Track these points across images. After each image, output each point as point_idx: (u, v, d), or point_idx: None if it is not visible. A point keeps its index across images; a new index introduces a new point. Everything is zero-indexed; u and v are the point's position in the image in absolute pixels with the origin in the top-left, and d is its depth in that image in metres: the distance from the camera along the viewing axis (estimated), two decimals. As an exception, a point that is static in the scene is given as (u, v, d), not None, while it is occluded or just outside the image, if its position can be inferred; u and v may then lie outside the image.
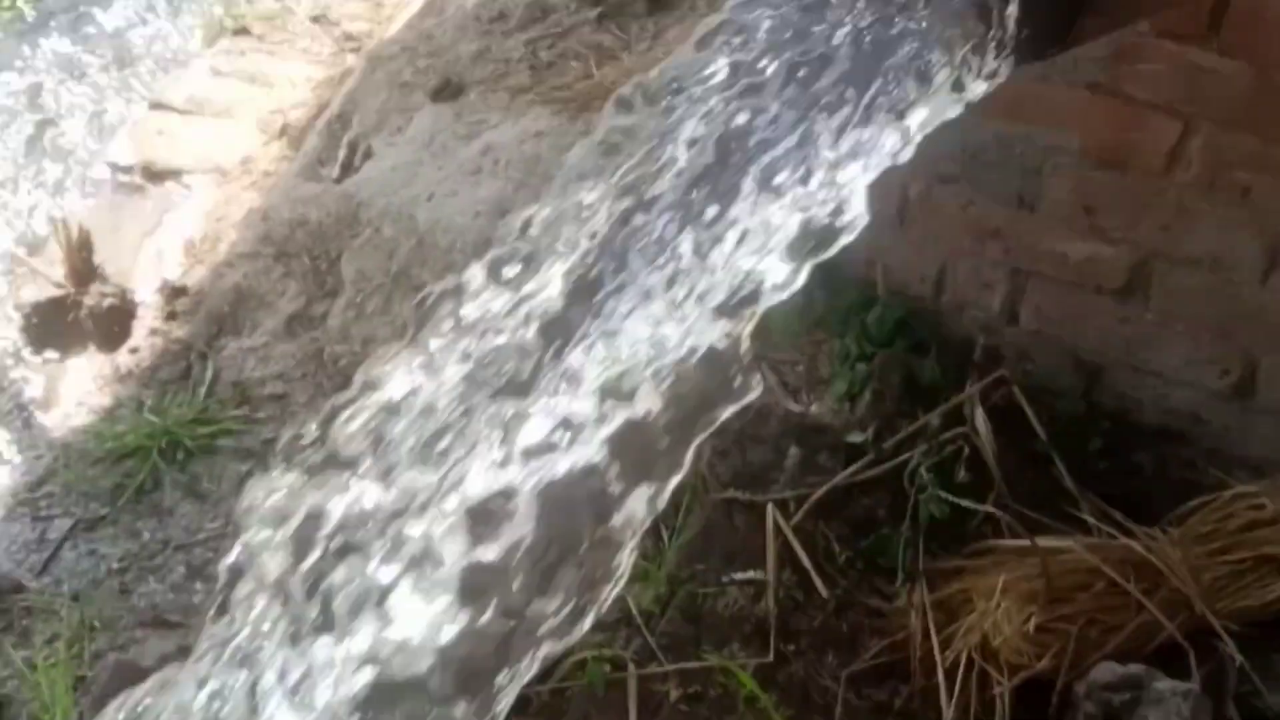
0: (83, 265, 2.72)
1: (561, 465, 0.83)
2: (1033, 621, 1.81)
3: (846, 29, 0.79)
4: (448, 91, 3.00)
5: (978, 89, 0.84)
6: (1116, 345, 2.09)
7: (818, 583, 1.92)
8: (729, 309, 0.83)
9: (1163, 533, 1.95)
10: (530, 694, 1.84)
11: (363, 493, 0.87)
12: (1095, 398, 2.13)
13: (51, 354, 2.66)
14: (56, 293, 2.71)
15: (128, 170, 3.12)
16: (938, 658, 1.84)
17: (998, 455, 2.03)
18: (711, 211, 0.84)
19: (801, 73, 0.80)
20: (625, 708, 1.82)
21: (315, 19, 3.68)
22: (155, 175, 3.09)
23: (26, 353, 2.66)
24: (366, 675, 0.83)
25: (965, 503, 1.90)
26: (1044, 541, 1.91)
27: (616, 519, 0.84)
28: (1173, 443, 2.11)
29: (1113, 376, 2.12)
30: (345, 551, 0.87)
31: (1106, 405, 2.12)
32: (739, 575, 1.93)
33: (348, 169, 2.96)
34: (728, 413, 0.86)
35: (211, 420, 2.42)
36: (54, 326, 2.68)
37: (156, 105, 3.32)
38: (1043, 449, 2.06)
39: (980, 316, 2.17)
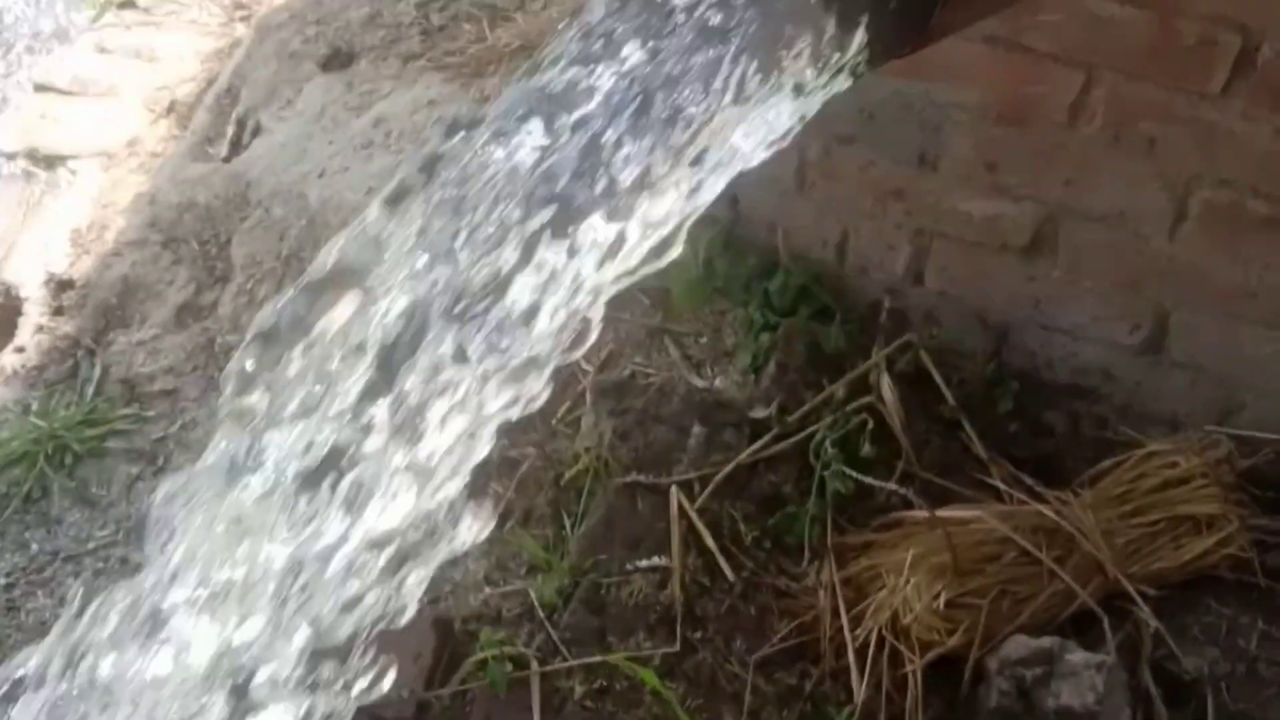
0: (-39, 262, 2.61)
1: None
2: (943, 597, 1.76)
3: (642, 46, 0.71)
4: (337, 61, 2.89)
5: (813, 102, 0.76)
6: (1024, 304, 2.04)
7: (724, 566, 1.86)
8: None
9: (1074, 495, 1.91)
10: (430, 699, 1.78)
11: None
12: (1004, 358, 2.08)
13: (-68, 357, 2.55)
14: (-66, 294, 2.60)
15: (11, 157, 3.00)
16: (847, 637, 1.79)
17: (905, 423, 1.97)
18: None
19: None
20: (529, 707, 1.76)
21: (204, -12, 3.55)
22: (40, 161, 2.97)
23: (-93, 357, 2.55)
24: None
25: (869, 480, 1.84)
26: (951, 512, 1.86)
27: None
28: (1084, 400, 2.07)
29: (1021, 336, 2.06)
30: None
31: (1015, 365, 2.08)
32: (644, 563, 1.86)
33: (236, 146, 2.85)
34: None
35: (100, 421, 2.33)
36: (-67, 329, 2.57)
37: (40, 88, 3.18)
38: (951, 414, 2.01)
39: (884, 279, 2.11)
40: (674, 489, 1.91)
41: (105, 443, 2.30)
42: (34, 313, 2.59)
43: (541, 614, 1.85)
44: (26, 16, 3.51)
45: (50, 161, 2.97)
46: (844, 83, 0.77)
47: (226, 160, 2.80)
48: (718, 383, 2.07)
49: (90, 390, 2.39)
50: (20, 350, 2.52)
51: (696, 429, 1.97)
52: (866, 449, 1.87)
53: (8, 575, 2.12)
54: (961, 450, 1.99)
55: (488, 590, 1.91)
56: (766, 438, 1.95)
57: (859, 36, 0.74)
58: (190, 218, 2.67)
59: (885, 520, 1.91)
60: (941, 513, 1.86)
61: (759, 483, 1.94)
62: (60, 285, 2.62)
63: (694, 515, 1.89)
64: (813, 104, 0.81)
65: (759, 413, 1.96)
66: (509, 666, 1.79)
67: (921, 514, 1.87)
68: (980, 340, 2.08)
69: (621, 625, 1.83)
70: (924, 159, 1.97)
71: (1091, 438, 2.04)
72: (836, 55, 0.74)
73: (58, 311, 2.58)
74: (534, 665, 1.80)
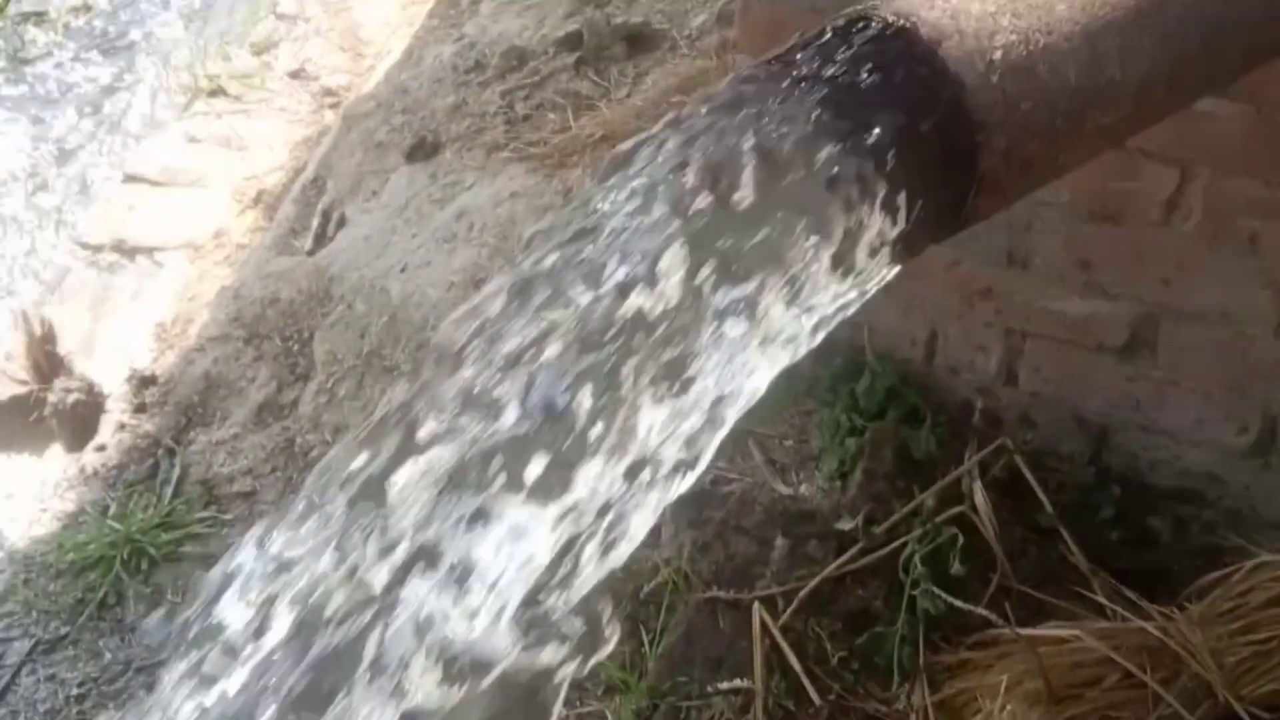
0: (46, 360, 2.62)
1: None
2: (1041, 726, 1.66)
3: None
4: (422, 151, 2.88)
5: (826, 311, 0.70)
6: (1124, 405, 1.94)
7: (809, 688, 1.77)
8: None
9: (1180, 610, 1.79)
10: (502, 828, 1.71)
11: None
12: (1104, 462, 1.97)
13: (16, 453, 2.56)
14: (19, 390, 2.61)
15: (98, 249, 3.02)
16: (941, 766, 1.70)
17: (999, 532, 1.88)
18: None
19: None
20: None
21: (294, 74, 3.57)
22: (126, 253, 3.00)
23: (-7, 455, 2.56)
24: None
25: (959, 603, 1.75)
26: (1048, 630, 1.76)
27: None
28: (1190, 505, 1.96)
29: (1121, 438, 1.96)
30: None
31: (1116, 469, 1.97)
32: (725, 685, 1.78)
33: (321, 239, 2.85)
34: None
35: (178, 524, 2.31)
36: (17, 426, 2.57)
37: (130, 178, 3.22)
38: (1049, 522, 1.91)
39: (975, 380, 2.02)
40: (756, 606, 1.83)
41: (182, 547, 2.28)
42: (116, 410, 2.59)
43: (618, 737, 1.78)
44: (119, 106, 3.55)
45: (136, 253, 2.99)
46: (879, 274, 0.72)
47: (311, 253, 2.80)
48: (803, 489, 1.99)
49: (169, 492, 2.38)
50: (101, 449, 2.52)
51: (780, 541, 1.90)
52: (957, 567, 1.77)
53: (80, 685, 2.10)
54: (1060, 561, 1.89)
55: (564, 711, 1.83)
56: (853, 550, 1.87)
57: (886, 234, 0.69)
58: (273, 313, 2.66)
59: (981, 637, 1.81)
60: (1039, 630, 1.76)
61: (846, 599, 1.85)
62: (143, 382, 2.62)
63: (777, 634, 1.81)
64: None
65: (845, 524, 1.87)
66: (584, 795, 1.72)
67: (1029, 631, 1.77)
68: (1078, 443, 1.98)
69: (700, 752, 1.75)
70: (1013, 257, 1.89)
71: (1199, 545, 1.93)
72: (863, 253, 0.69)
73: (139, 409, 2.58)
74: (605, 789, 1.72)
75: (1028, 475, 1.94)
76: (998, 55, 0.76)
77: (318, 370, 2.52)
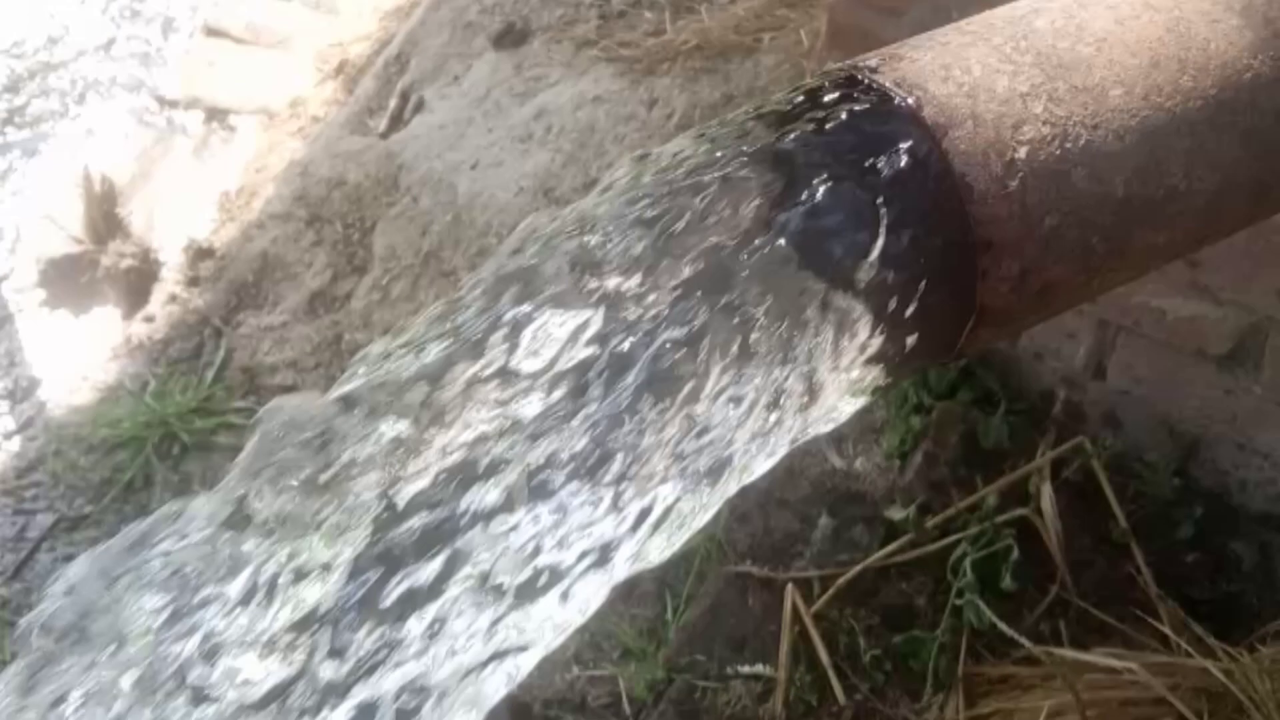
0: (104, 220, 2.54)
1: None
2: (1078, 764, 1.54)
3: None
4: (510, 38, 2.73)
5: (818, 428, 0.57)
6: (1219, 418, 1.77)
7: (836, 685, 1.66)
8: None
9: (1251, 653, 1.65)
10: (495, 791, 1.63)
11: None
12: (1190, 475, 1.82)
13: (65, 314, 2.49)
14: (75, 249, 2.53)
15: (172, 105, 2.92)
16: (965, 789, 1.58)
17: (1065, 540, 1.74)
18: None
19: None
20: (600, 816, 1.61)
21: (396, -64, 3.42)
22: (201, 112, 2.90)
23: (41, 312, 2.49)
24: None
25: (1004, 627, 1.61)
26: (1099, 657, 1.63)
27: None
28: (1278, 535, 1.80)
29: (1211, 452, 1.80)
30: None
31: (1203, 485, 1.81)
32: (746, 669, 1.68)
33: (396, 122, 2.72)
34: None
35: (214, 411, 2.24)
36: (69, 286, 2.51)
37: (213, 32, 3.11)
38: (1121, 536, 1.76)
39: (1061, 369, 1.86)
40: (790, 587, 1.72)
41: (215, 435, 2.21)
42: (169, 280, 2.51)
43: (629, 709, 1.69)
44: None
45: (211, 114, 2.89)
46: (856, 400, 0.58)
47: (384, 136, 2.68)
48: (857, 464, 1.86)
49: (210, 375, 2.30)
50: (150, 320, 2.45)
51: (824, 520, 1.77)
52: (1008, 581, 1.64)
53: (98, 571, 2.04)
54: (1127, 580, 1.74)
55: (576, 670, 1.75)
56: (902, 541, 1.74)
57: (852, 365, 0.54)
58: (338, 196, 2.55)
59: (1028, 653, 1.68)
60: (1089, 655, 1.63)
61: (888, 592, 1.73)
62: (199, 253, 2.54)
63: (809, 621, 1.69)
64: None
65: (896, 513, 1.74)
66: (584, 766, 1.64)
67: (1068, 653, 1.64)
68: (1164, 452, 1.82)
69: (712, 737, 1.65)
70: (1120, 244, 1.72)
71: (1282, 579, 1.77)
72: (846, 375, 0.55)
73: (192, 282, 2.50)
74: (610, 768, 1.64)
75: (1103, 481, 1.79)
76: (1021, 153, 0.57)
77: (375, 264, 2.42)
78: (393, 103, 2.75)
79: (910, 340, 0.57)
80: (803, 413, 0.55)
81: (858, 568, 1.73)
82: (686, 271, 0.52)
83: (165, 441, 2.18)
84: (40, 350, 2.42)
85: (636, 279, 0.52)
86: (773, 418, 0.55)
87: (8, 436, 2.25)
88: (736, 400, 0.54)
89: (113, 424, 2.21)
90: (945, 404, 1.85)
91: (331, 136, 2.72)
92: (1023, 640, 1.57)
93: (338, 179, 2.58)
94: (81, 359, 2.40)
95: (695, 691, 1.69)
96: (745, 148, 0.57)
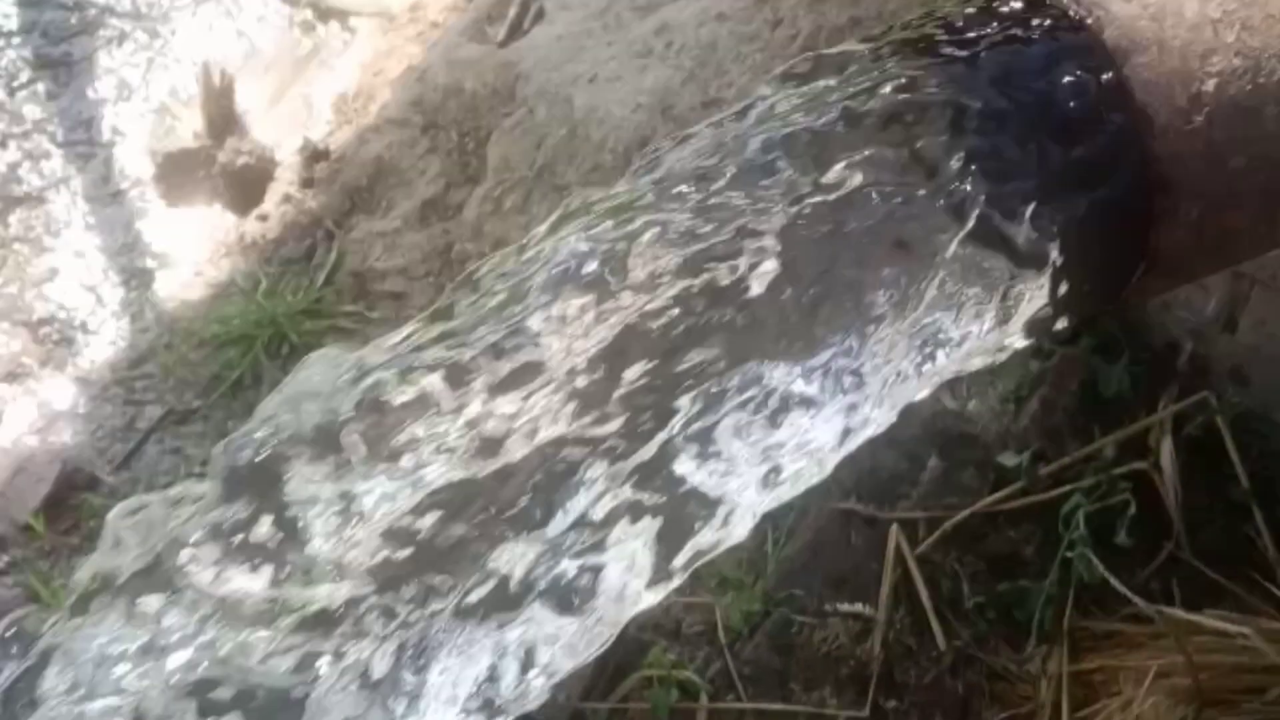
0: (221, 116, 2.54)
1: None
2: (1182, 728, 1.50)
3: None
4: (635, -50, 2.67)
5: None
6: (1355, 381, 1.71)
7: (936, 629, 1.64)
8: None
9: (1372, 625, 1.60)
10: (585, 710, 1.63)
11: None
12: (1320, 438, 1.75)
13: (180, 209, 2.51)
14: (191, 144, 2.54)
15: (294, 4, 2.91)
16: (1063, 743, 1.56)
17: (1182, 497, 1.69)
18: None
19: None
20: (691, 744, 1.60)
21: None
22: (321, 14, 2.88)
23: (156, 206, 2.51)
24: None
25: (1116, 583, 1.57)
26: (1210, 619, 1.58)
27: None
28: None
29: (1345, 417, 1.74)
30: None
31: (1332, 450, 1.75)
32: (845, 606, 1.66)
33: (515, 31, 2.68)
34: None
35: (324, 314, 2.24)
36: (184, 181, 2.51)
37: (337, -70, 3.08)
38: (1242, 497, 1.71)
39: (1189, 320, 1.80)
40: (895, 528, 1.69)
41: (324, 338, 2.21)
42: (284, 180, 2.52)
43: (724, 638, 1.68)
44: None
45: (331, 16, 2.87)
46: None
47: (502, 45, 2.64)
48: (971, 406, 1.81)
49: (321, 277, 2.31)
50: (263, 219, 2.45)
51: (933, 462, 1.74)
52: (1123, 536, 1.60)
53: (202, 465, 2.06)
54: (1246, 543, 1.69)
55: (674, 598, 1.73)
56: (1013, 488, 1.70)
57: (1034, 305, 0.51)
58: (455, 104, 2.53)
59: (1137, 610, 1.64)
60: (1199, 616, 1.59)
61: (995, 539, 1.69)
62: (315, 155, 2.54)
63: (912, 563, 1.67)
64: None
65: (1009, 459, 1.70)
66: (676, 694, 1.63)
67: (1179, 613, 1.60)
68: (1293, 413, 1.76)
69: (808, 673, 1.64)
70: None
71: None
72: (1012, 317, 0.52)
73: (307, 183, 2.50)
74: (704, 698, 1.63)
75: (1227, 438, 1.73)
76: (1210, 86, 0.52)
77: (488, 175, 2.40)
78: (512, 11, 2.71)
79: (1072, 284, 0.53)
80: (960, 347, 0.53)
81: (965, 512, 1.70)
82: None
83: (274, 341, 2.19)
84: (154, 244, 2.44)
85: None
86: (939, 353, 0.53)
87: (120, 328, 2.27)
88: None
89: (223, 321, 2.23)
90: (1066, 350, 1.80)
91: (450, 43, 2.69)
92: (1135, 597, 1.53)
93: (454, 87, 2.55)
94: (194, 254, 2.42)
95: (792, 626, 1.67)
96: (911, 66, 0.54)
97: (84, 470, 2.04)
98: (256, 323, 2.21)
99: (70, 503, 2.00)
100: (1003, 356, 0.56)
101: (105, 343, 2.25)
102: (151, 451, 2.09)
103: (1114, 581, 1.55)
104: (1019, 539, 1.70)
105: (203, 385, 2.17)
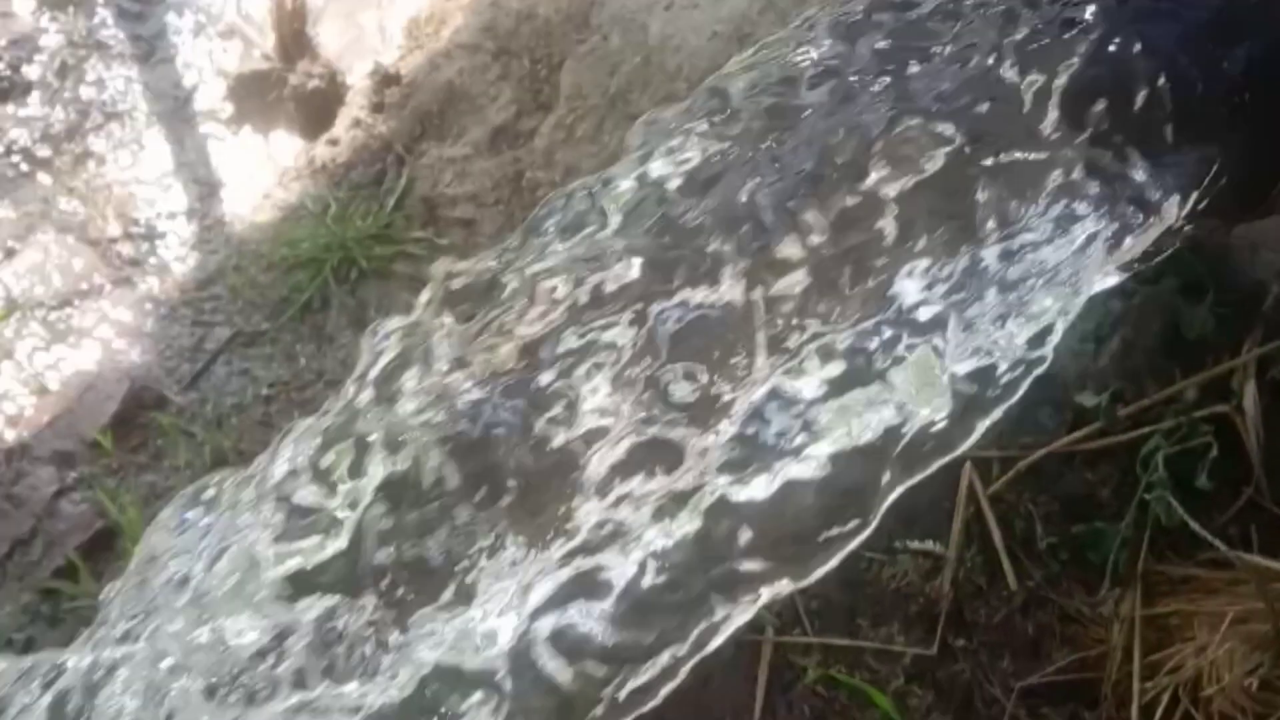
0: (293, 39, 2.53)
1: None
2: (1258, 675, 1.47)
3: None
4: (715, -126, 2.62)
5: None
6: None
7: (1008, 569, 1.61)
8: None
9: None
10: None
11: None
12: None
13: (250, 131, 2.50)
14: (262, 66, 2.53)
15: (367, -73, 2.88)
16: (1135, 688, 1.53)
17: (1264, 442, 1.65)
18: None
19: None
20: (754, 677, 1.59)
21: None
22: (394, -63, 2.85)
23: (226, 128, 2.50)
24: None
25: (1196, 526, 1.54)
26: (1294, 568, 1.55)
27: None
28: None
29: None
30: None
31: None
32: (915, 544, 1.64)
33: (590, -44, 2.65)
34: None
35: (393, 239, 2.23)
36: (254, 103, 2.50)
37: None
38: (1324, 444, 1.67)
39: (1277, 261, 1.75)
40: (968, 465, 1.66)
41: (393, 264, 2.20)
42: (354, 104, 2.50)
43: (792, 573, 1.66)
44: None
45: (403, -62, 2.84)
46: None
47: (576, -30, 2.61)
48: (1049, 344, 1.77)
49: (391, 202, 2.29)
50: (334, 143, 2.44)
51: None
52: (1203, 480, 1.56)
53: (270, 386, 2.07)
54: (1327, 492, 1.65)
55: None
56: (1090, 429, 1.67)
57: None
58: (527, 30, 2.50)
59: (1215, 554, 1.61)
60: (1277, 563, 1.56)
61: (1071, 480, 1.66)
62: (385, 79, 2.51)
63: (985, 502, 1.64)
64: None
65: (1087, 399, 1.67)
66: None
67: (1259, 560, 1.57)
68: (1383, 359, 1.71)
69: (876, 610, 1.62)
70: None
71: None
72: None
73: (377, 108, 2.48)
74: (769, 631, 1.62)
75: (1313, 383, 1.69)
76: None
77: (560, 103, 2.37)
78: (588, -64, 2.68)
79: (1221, 184, 0.51)
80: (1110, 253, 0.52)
81: (1041, 451, 1.67)
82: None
83: (343, 265, 2.19)
84: (224, 165, 2.43)
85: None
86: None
87: (190, 249, 2.27)
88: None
89: (292, 244, 2.22)
90: (1149, 289, 1.76)
91: (524, -32, 2.66)
92: (1215, 541, 1.50)
93: (527, 12, 2.52)
94: (264, 177, 2.41)
95: (861, 562, 1.65)
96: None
97: (152, 389, 2.05)
98: (325, 246, 2.20)
99: (138, 421, 2.01)
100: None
101: (174, 263, 2.25)
102: (219, 372, 2.09)
103: (1194, 525, 1.51)
104: (1095, 480, 1.67)
105: (271, 307, 2.17)
